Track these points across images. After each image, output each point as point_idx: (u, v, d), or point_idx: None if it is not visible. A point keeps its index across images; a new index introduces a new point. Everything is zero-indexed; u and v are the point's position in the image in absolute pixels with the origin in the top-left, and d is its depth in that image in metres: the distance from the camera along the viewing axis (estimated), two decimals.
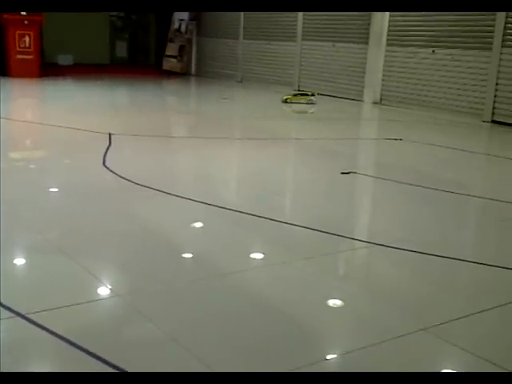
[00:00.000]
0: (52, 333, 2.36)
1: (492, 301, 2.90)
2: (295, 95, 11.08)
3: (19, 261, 3.20)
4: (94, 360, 2.20)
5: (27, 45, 13.44)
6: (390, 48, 11.03)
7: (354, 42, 11.75)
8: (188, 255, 3.40)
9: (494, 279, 3.24)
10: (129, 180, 4.78)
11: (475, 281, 3.26)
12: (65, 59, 16.67)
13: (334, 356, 2.39)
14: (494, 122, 9.37)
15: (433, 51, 10.29)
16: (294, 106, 10.64)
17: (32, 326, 2.41)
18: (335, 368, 2.31)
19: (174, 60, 16.54)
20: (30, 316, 2.47)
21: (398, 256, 3.49)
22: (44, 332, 2.38)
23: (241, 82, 14.90)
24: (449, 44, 10.03)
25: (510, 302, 2.90)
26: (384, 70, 11.16)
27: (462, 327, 2.64)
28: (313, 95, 10.93)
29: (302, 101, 10.76)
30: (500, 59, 9.27)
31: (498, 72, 9.31)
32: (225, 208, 4.20)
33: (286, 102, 10.66)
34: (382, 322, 2.65)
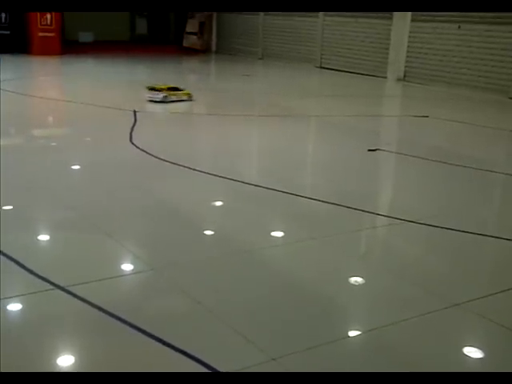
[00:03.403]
0: (90, 304, 2.41)
1: None
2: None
3: (55, 236, 3.25)
4: (131, 330, 2.25)
5: (48, 22, 13.45)
6: (414, 23, 10.83)
7: (377, 17, 11.57)
8: (216, 231, 3.43)
9: None
10: (156, 156, 4.81)
11: (503, 256, 3.25)
12: (85, 36, 16.68)
13: (367, 331, 2.41)
14: None
15: (459, 27, 10.10)
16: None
17: (71, 298, 2.46)
18: (367, 342, 2.33)
19: (194, 37, 16.44)
20: (69, 288, 2.52)
21: (424, 232, 3.49)
22: (82, 303, 2.43)
23: (262, 58, 14.79)
24: (475, 19, 9.83)
25: None
26: (408, 46, 10.99)
27: (492, 303, 2.64)
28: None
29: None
30: None
31: None
32: (249, 183, 4.22)
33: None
34: (409, 298, 2.66)
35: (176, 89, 7.93)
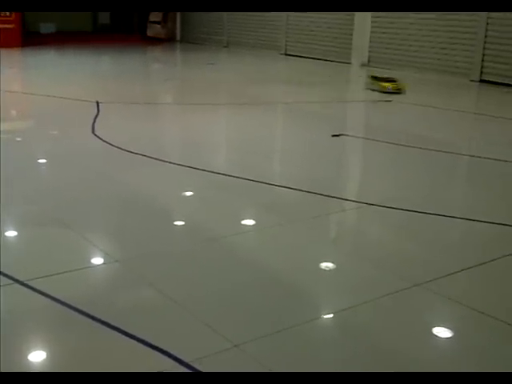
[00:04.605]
0: (52, 298, 2.37)
1: (483, 256, 2.95)
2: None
3: (16, 230, 3.19)
4: (96, 324, 2.21)
5: (8, 13, 13.12)
6: None
7: None
8: (181, 220, 3.41)
9: (483, 235, 3.28)
10: (119, 147, 4.74)
11: (467, 237, 3.31)
12: (47, 28, 16.33)
13: (330, 313, 2.42)
14: (482, 81, 9.35)
15: None
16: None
17: (31, 292, 2.42)
18: (330, 325, 2.35)
19: (158, 26, 16.25)
20: (29, 282, 2.47)
21: (390, 215, 3.52)
22: (43, 297, 2.38)
23: (227, 46, 14.71)
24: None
25: (500, 257, 2.94)
26: (372, 32, 11.05)
27: (454, 282, 2.69)
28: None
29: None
30: (488, 17, 9.20)
31: (487, 30, 9.24)
32: (215, 172, 4.19)
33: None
34: (376, 280, 2.69)
35: (385, 79, 8.29)
